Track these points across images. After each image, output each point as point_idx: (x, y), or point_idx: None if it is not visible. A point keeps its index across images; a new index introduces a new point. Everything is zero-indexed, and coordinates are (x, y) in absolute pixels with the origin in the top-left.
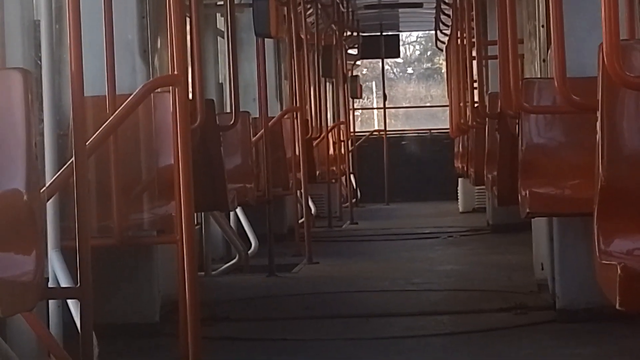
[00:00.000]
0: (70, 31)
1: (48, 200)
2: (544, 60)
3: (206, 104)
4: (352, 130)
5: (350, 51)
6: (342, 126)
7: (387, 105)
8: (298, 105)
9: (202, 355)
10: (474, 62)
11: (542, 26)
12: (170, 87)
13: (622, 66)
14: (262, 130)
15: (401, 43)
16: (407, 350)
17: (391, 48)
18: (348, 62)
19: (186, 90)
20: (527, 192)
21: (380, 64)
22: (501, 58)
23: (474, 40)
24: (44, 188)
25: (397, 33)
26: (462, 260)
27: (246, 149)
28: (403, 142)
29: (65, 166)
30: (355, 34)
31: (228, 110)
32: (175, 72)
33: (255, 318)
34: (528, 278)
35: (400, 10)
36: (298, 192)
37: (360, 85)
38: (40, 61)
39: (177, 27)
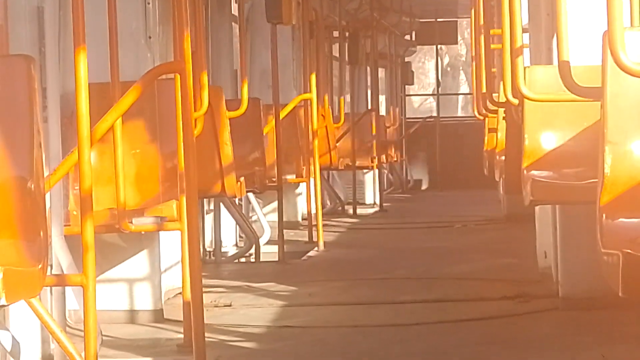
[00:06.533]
0: (74, 18)
1: (52, 187)
2: (548, 49)
3: (215, 91)
4: (403, 116)
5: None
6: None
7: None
8: (309, 93)
9: (205, 341)
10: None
11: (548, 14)
12: (174, 74)
13: (626, 54)
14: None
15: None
16: (409, 338)
17: (448, 34)
18: (399, 47)
19: (190, 77)
20: (530, 180)
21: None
22: (504, 45)
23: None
24: (48, 175)
25: (454, 19)
26: (472, 249)
27: (256, 135)
28: (457, 130)
29: (69, 153)
30: (408, 19)
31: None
32: (179, 59)
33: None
34: (531, 266)
35: None
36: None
37: (412, 72)
38: (44, 48)
39: (181, 14)
